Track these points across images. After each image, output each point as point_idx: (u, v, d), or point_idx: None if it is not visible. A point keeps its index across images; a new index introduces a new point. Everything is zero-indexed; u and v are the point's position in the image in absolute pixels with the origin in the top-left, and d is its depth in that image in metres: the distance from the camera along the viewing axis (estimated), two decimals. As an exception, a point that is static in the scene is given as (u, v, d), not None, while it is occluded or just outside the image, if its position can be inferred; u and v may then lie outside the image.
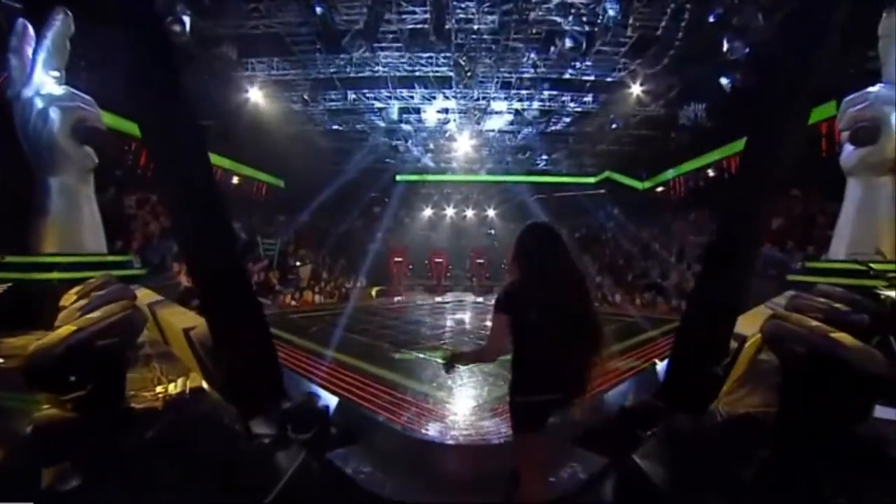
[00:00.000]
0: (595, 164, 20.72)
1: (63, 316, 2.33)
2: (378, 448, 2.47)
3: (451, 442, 2.72)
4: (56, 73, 4.38)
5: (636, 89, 11.22)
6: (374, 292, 12.15)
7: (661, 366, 4.09)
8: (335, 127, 15.67)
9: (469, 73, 10.68)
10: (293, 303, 9.69)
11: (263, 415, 2.04)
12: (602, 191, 23.10)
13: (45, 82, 4.31)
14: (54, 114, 4.25)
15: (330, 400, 2.87)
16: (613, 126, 14.26)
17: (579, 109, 13.63)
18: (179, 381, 2.65)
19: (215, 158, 14.84)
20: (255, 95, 12.01)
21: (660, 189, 17.22)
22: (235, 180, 16.28)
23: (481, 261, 18.90)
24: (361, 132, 16.19)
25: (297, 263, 12.24)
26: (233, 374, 1.76)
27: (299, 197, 16.46)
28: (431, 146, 17.90)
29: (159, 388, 2.58)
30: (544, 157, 20.62)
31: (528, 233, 2.07)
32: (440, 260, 17.84)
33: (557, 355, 1.88)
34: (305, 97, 12.89)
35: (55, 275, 4.05)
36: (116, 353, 2.03)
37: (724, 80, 9.91)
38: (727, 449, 1.86)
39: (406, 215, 21.98)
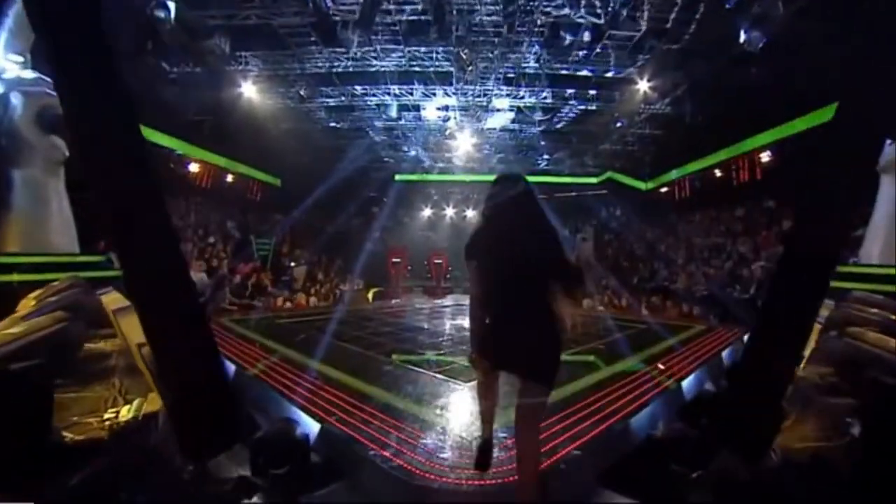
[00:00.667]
0: (597, 164, 20.41)
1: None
2: (366, 487, 2.08)
3: (453, 482, 2.30)
4: (19, 57, 4.02)
5: (643, 85, 10.84)
6: (371, 294, 11.75)
7: (686, 383, 3.72)
8: (332, 124, 15.30)
9: (470, 67, 10.32)
10: (288, 305, 9.28)
11: (224, 451, 1.66)
12: (604, 191, 22.93)
13: (6, 66, 3.96)
14: (16, 99, 3.89)
15: (311, 427, 2.51)
16: (618, 125, 13.92)
17: (583, 107, 13.27)
18: (135, 403, 2.26)
19: (209, 156, 14.52)
20: (249, 91, 11.63)
21: (664, 190, 16.86)
22: (230, 178, 15.95)
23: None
24: (359, 130, 15.84)
25: (292, 264, 11.87)
26: (177, 403, 1.39)
27: (295, 196, 16.09)
28: (431, 144, 17.55)
29: (109, 413, 2.19)
30: (545, 156, 20.35)
31: (498, 183, 2.16)
32: (440, 261, 17.41)
33: (518, 301, 1.87)
34: (301, 93, 12.53)
35: (15, 277, 3.71)
36: (41, 376, 1.65)
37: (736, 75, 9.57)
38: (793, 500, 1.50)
39: (405, 215, 21.64)
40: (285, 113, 13.69)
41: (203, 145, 13.51)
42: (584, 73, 11.20)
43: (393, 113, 14.47)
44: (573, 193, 23.20)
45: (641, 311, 8.10)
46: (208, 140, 13.05)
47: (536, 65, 10.96)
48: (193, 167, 14.08)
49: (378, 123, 15.38)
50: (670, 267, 10.56)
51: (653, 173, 17.49)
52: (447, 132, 14.96)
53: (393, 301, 10.57)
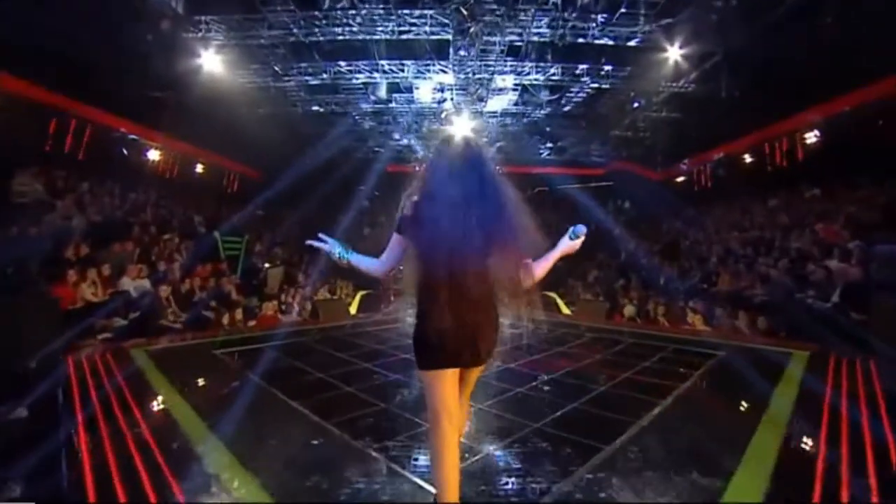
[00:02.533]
0: (604, 153, 18.98)
1: None
2: None
3: None
4: None
5: (673, 53, 9.30)
6: (357, 299, 10.19)
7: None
8: (315, 108, 13.71)
9: (471, 27, 8.78)
10: (251, 322, 7.27)
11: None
12: (611, 183, 21.54)
13: None
14: None
15: None
16: (635, 105, 12.47)
17: (595, 85, 11.78)
18: None
19: (175, 143, 12.86)
20: (212, 63, 9.98)
21: (680, 179, 15.45)
22: (200, 168, 14.31)
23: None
24: (345, 115, 14.25)
25: (266, 265, 10.29)
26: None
27: (277, 188, 14.47)
28: (425, 132, 16.00)
29: None
30: (549, 144, 18.90)
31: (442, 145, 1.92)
32: None
33: (463, 287, 1.65)
34: (276, 69, 10.92)
35: None
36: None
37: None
38: None
39: (397, 209, 20.04)
40: (259, 93, 12.09)
41: (164, 129, 11.86)
42: (599, 41, 9.66)
43: (382, 93, 12.92)
44: (576, 185, 21.96)
45: (686, 320, 6.61)
46: (170, 124, 11.40)
47: (548, 30, 9.43)
48: (154, 155, 12.44)
49: (366, 106, 13.81)
50: (703, 265, 9.12)
51: (666, 161, 16.07)
52: (443, 115, 13.38)
53: (382, 308, 8.99)
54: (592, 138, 17.19)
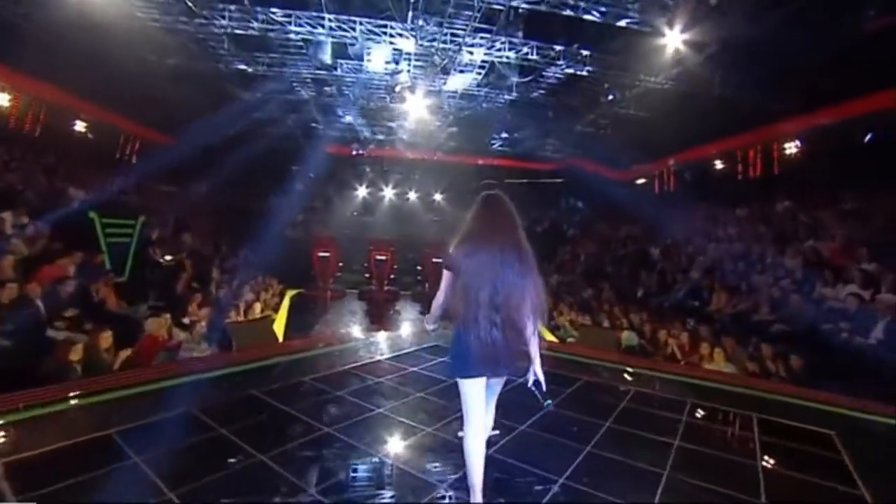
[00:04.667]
0: (559, 149, 18.12)
1: None
2: None
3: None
4: None
5: (671, 39, 8.20)
6: (286, 305, 8.21)
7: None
8: (242, 67, 11.29)
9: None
10: (123, 354, 4.58)
11: None
12: (561, 180, 20.91)
13: None
14: None
15: None
16: (609, 97, 11.49)
17: (571, 71, 10.59)
18: None
19: (37, 85, 9.85)
20: None
21: (641, 181, 14.90)
22: (81, 126, 11.32)
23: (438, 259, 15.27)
24: (279, 78, 11.94)
25: (167, 258, 7.99)
26: None
27: (188, 158, 11.85)
28: (373, 108, 14.05)
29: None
30: (504, 134, 17.67)
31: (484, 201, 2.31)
32: (383, 257, 13.71)
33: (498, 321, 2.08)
34: (189, 2, 8.50)
35: None
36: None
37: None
38: None
39: (335, 194, 17.86)
40: (168, 38, 9.55)
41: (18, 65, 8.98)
42: (591, 17, 8.41)
43: (326, 57, 10.86)
44: (525, 181, 21.12)
45: (699, 352, 5.45)
46: (29, 59, 8.60)
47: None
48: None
49: (305, 71, 11.61)
50: (687, 277, 8.28)
51: (627, 161, 15.45)
52: (398, 88, 11.57)
53: (315, 329, 7.07)
54: (554, 131, 16.20)
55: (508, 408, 2.81)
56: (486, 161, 19.63)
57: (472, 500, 2.15)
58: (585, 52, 10.13)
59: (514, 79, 11.41)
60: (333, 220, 16.32)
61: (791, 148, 9.32)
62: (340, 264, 13.80)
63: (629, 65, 9.93)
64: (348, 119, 15.52)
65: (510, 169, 20.59)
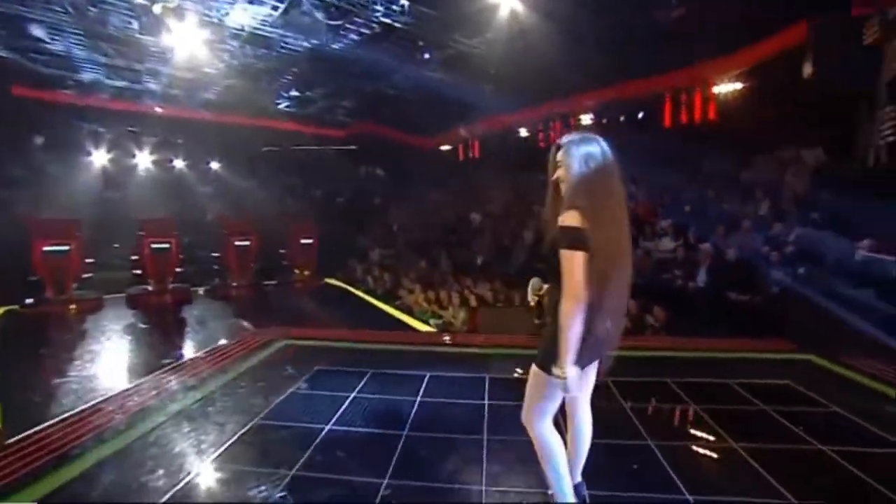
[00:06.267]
0: (354, 111, 16.82)
1: None
2: None
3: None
4: None
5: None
6: None
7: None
8: None
9: None
10: None
11: None
12: (353, 147, 19.74)
13: None
14: None
15: None
16: (426, 56, 10.88)
17: (388, 21, 9.47)
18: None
19: None
20: None
21: (445, 148, 15.11)
22: None
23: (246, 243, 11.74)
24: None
25: None
26: None
27: None
28: (122, 41, 9.88)
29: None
30: (294, 92, 15.24)
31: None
32: (164, 245, 9.44)
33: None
34: None
35: None
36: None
37: None
38: None
39: (52, 160, 12.27)
40: None
41: None
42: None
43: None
44: (314, 147, 19.22)
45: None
46: None
47: None
48: None
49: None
50: (521, 245, 8.64)
51: (429, 129, 15.41)
52: (156, 9, 8.22)
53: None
54: (351, 91, 14.76)
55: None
56: (267, 123, 16.86)
57: None
58: (405, 3, 9.15)
59: (321, 18, 9.53)
60: (59, 196, 11.13)
61: (586, 120, 10.68)
62: (91, 261, 9.39)
63: (450, 23, 9.47)
64: (60, 47, 10.59)
65: (296, 133, 18.27)
